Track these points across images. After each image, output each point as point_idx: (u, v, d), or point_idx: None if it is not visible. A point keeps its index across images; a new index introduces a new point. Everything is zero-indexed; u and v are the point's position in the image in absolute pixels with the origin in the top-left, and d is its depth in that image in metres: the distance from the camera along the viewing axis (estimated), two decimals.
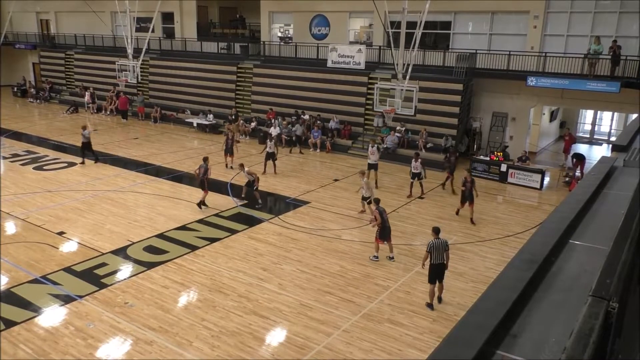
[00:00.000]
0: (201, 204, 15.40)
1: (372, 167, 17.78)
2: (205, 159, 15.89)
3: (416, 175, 16.67)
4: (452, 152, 18.95)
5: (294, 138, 23.63)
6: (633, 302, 2.73)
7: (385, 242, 12.13)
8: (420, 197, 16.86)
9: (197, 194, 17.01)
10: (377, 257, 12.14)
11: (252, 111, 27.70)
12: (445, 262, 9.87)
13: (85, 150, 20.28)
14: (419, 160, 16.62)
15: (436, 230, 9.99)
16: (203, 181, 15.42)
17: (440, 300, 10.19)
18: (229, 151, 20.02)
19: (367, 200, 14.95)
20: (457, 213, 15.28)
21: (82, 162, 20.24)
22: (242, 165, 16.45)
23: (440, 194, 17.65)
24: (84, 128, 20.30)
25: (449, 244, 10.01)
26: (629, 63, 18.64)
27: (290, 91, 26.25)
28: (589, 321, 1.93)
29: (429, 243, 9.85)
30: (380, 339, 8.97)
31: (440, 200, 16.97)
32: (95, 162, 20.39)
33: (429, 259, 9.87)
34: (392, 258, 12.16)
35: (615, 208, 4.06)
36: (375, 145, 17.98)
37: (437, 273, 9.89)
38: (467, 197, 14.63)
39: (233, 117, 26.49)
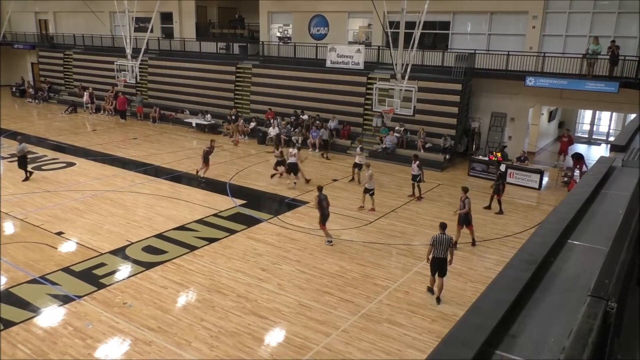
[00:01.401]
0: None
1: (357, 166, 18.24)
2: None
3: (415, 177, 16.67)
4: (496, 167, 16.61)
5: (316, 143, 23.30)
6: (632, 302, 2.74)
7: (324, 226, 12.98)
8: (418, 199, 16.82)
9: (195, 194, 17.03)
10: (330, 242, 12.97)
11: (251, 111, 27.69)
12: (447, 257, 10.17)
13: (21, 166, 17.91)
14: (417, 162, 16.60)
15: (442, 226, 10.31)
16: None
17: (438, 301, 10.23)
18: (205, 160, 18.07)
19: (370, 192, 15.44)
20: (473, 244, 13.14)
21: (27, 178, 17.88)
22: (298, 148, 17.91)
23: (439, 194, 17.66)
24: (20, 141, 17.99)
25: (452, 241, 10.40)
26: (627, 63, 18.66)
27: (289, 91, 26.24)
28: (587, 321, 1.93)
29: (433, 236, 10.18)
30: (379, 339, 8.98)
31: (439, 200, 16.97)
32: (27, 178, 17.92)
33: (432, 252, 10.19)
34: (331, 242, 12.99)
35: (613, 208, 4.06)
36: (359, 147, 18.55)
37: (437, 266, 10.18)
38: (462, 219, 12.92)
39: (233, 117, 26.49)
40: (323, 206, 12.85)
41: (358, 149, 18.43)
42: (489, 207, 15.95)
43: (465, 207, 12.80)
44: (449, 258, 10.18)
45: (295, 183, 17.81)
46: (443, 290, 10.37)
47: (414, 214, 15.63)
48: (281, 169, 18.49)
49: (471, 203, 13.05)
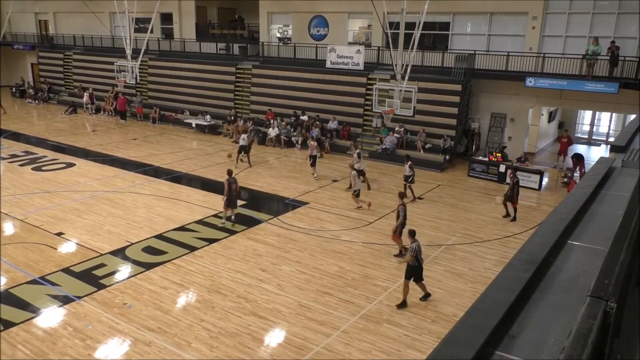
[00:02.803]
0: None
1: (360, 173, 17.41)
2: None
3: (407, 178, 16.66)
4: (512, 171, 15.66)
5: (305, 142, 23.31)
6: (632, 302, 2.74)
7: (229, 209, 14.12)
8: (413, 200, 16.72)
9: (195, 194, 17.04)
10: (224, 222, 14.11)
11: (250, 112, 27.71)
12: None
13: None
14: (409, 163, 16.56)
15: (412, 234, 10.09)
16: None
17: (427, 297, 10.30)
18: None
19: (355, 193, 15.64)
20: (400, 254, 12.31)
21: None
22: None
23: (438, 194, 17.67)
24: None
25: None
26: (627, 64, 18.67)
27: (289, 92, 26.25)
28: (587, 321, 1.93)
29: (413, 247, 9.85)
30: (379, 339, 8.98)
31: (439, 201, 16.97)
32: None
33: (414, 261, 9.89)
34: (232, 219, 14.16)
35: (613, 208, 4.07)
36: (356, 152, 17.64)
37: (421, 272, 10.12)
38: (400, 228, 12.17)
39: (232, 117, 26.49)
40: (231, 189, 13.86)
41: (355, 154, 17.64)
42: (508, 215, 15.26)
43: (400, 217, 12.08)
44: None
45: (315, 175, 19.01)
46: (441, 291, 10.39)
47: (414, 214, 15.58)
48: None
49: (406, 211, 12.24)
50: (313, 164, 19.02)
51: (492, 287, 2.80)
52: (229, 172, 14.35)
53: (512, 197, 15.05)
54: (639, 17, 18.48)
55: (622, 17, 19.43)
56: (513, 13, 21.81)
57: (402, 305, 10.03)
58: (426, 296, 10.31)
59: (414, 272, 10.00)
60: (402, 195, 12.57)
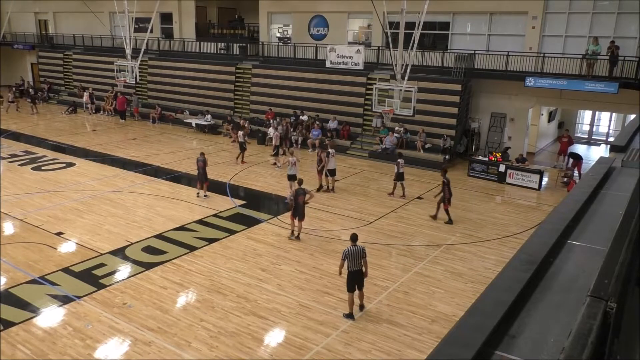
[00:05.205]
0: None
1: (330, 173, 17.31)
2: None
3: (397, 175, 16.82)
4: (442, 174, 14.81)
5: (315, 143, 23.22)
6: (631, 303, 2.74)
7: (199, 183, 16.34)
8: (403, 197, 16.82)
9: (195, 194, 17.02)
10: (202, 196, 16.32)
11: (250, 111, 27.71)
12: (363, 269, 9.63)
13: None
14: (397, 161, 16.73)
15: (353, 238, 9.66)
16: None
17: (362, 308, 9.80)
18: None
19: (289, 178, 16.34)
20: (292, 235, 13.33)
21: None
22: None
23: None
24: None
25: (366, 251, 9.72)
26: (627, 64, 18.66)
27: (289, 92, 26.26)
28: (587, 321, 1.93)
29: (344, 251, 9.56)
30: (379, 339, 8.98)
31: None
32: None
33: (345, 267, 9.54)
34: (200, 195, 16.39)
35: (613, 208, 4.07)
36: (327, 151, 17.42)
37: (355, 280, 9.57)
38: (293, 212, 13.11)
39: (231, 117, 26.49)
40: (199, 166, 16.07)
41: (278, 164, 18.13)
42: (435, 217, 14.83)
43: (292, 199, 13.21)
44: (363, 270, 9.61)
45: (275, 164, 20.33)
46: (441, 290, 10.35)
47: (414, 214, 15.62)
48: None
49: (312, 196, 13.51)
50: (275, 154, 20.50)
51: (492, 287, 2.80)
52: (201, 153, 16.54)
53: (444, 199, 14.48)
54: (639, 17, 18.49)
55: (622, 17, 19.43)
56: (513, 13, 21.81)
57: (349, 316, 9.56)
58: (361, 307, 9.76)
59: (349, 280, 9.52)
60: (294, 180, 14.28)
